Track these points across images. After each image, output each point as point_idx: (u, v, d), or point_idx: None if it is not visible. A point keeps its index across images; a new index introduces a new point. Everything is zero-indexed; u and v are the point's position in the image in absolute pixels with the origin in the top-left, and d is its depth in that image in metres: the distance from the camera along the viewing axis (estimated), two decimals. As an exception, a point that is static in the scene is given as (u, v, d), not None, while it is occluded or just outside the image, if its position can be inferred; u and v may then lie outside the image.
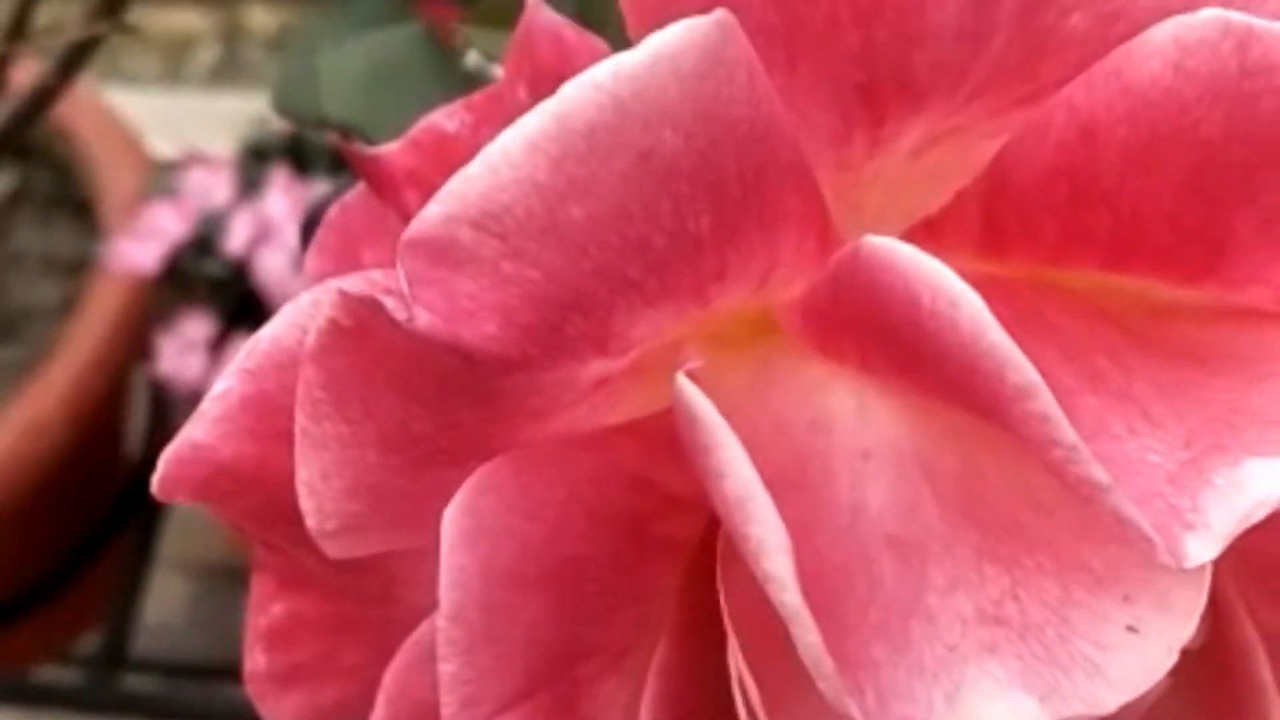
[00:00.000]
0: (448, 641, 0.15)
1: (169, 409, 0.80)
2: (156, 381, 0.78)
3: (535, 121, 0.15)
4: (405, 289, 0.14)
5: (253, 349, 0.18)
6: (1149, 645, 0.15)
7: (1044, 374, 0.16)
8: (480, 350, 0.14)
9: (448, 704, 0.15)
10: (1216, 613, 0.17)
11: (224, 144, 0.77)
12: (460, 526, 0.15)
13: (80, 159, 0.80)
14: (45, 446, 0.73)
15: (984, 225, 0.17)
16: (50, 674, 0.83)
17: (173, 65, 1.31)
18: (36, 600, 0.82)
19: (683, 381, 0.15)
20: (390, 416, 0.16)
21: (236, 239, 0.67)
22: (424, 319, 0.14)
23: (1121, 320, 0.17)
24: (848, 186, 0.18)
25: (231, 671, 0.64)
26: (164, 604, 0.97)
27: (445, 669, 0.15)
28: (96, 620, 0.82)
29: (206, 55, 1.30)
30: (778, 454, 0.17)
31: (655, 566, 0.17)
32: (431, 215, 0.14)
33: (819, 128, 0.17)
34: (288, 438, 0.17)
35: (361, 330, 0.15)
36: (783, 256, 0.16)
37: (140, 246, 0.68)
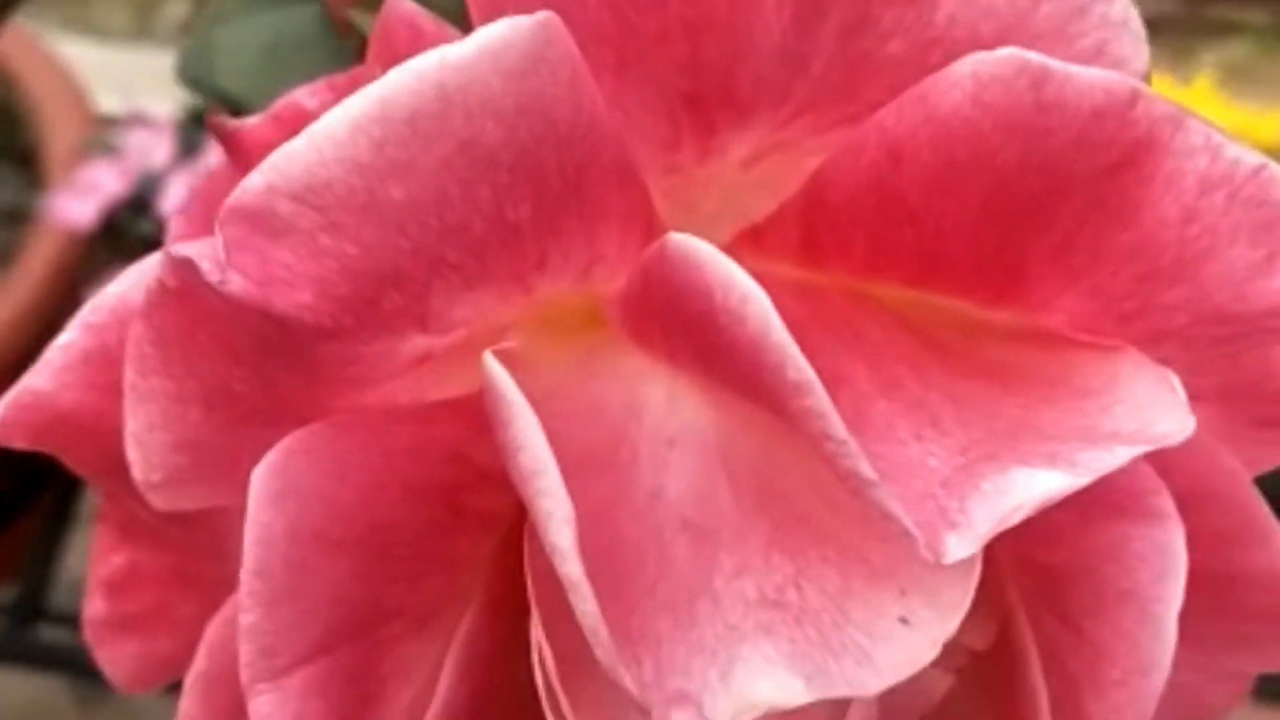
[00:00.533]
0: (249, 594, 0.16)
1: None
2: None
3: (361, 103, 0.15)
4: (221, 254, 0.15)
5: (98, 304, 0.18)
6: (917, 637, 0.16)
7: (841, 378, 0.17)
8: (293, 318, 0.15)
9: (246, 653, 0.16)
10: (1003, 619, 0.18)
11: (180, 104, 0.77)
12: (268, 486, 0.16)
13: (26, 110, 0.80)
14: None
15: (802, 236, 0.18)
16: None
17: (142, 20, 1.30)
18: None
19: (489, 360, 0.16)
20: (213, 375, 0.17)
21: (171, 200, 0.67)
22: (237, 283, 0.15)
23: (932, 335, 0.18)
24: (680, 189, 0.18)
25: None
26: (84, 560, 0.97)
27: (245, 620, 0.16)
28: (15, 574, 0.82)
29: (176, 11, 1.30)
30: (590, 436, 0.17)
31: (467, 537, 0.18)
32: (253, 185, 0.15)
33: (648, 132, 0.17)
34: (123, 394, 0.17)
35: (185, 291, 0.16)
36: (605, 250, 0.17)
37: (78, 201, 0.68)
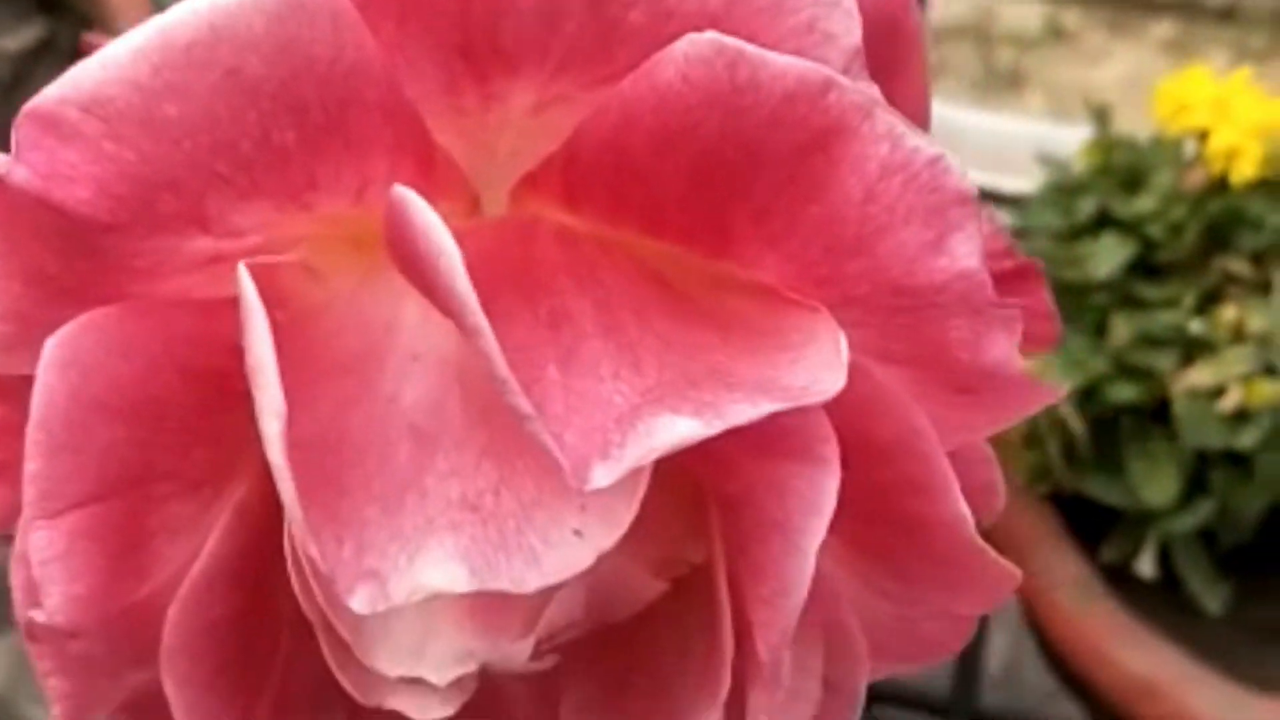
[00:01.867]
0: (33, 444, 0.19)
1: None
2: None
3: (145, 33, 0.18)
4: (16, 149, 0.18)
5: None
6: (584, 548, 0.18)
7: (566, 316, 0.19)
8: (71, 209, 0.18)
9: (28, 495, 0.19)
10: (709, 539, 0.21)
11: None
12: (56, 354, 0.19)
13: (107, 15, 0.84)
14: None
15: (563, 184, 0.20)
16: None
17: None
18: None
19: (241, 268, 0.19)
20: (29, 256, 0.20)
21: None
22: (21, 175, 0.18)
23: (678, 285, 0.21)
24: (474, 130, 0.21)
25: None
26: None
27: (29, 467, 0.19)
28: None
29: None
30: (349, 344, 0.20)
31: (238, 417, 0.20)
32: (49, 94, 0.18)
33: (430, 77, 0.20)
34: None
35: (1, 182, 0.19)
36: (375, 175, 0.20)
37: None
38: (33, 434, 0.19)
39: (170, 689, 0.20)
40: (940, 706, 0.77)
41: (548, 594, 0.19)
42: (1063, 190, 0.67)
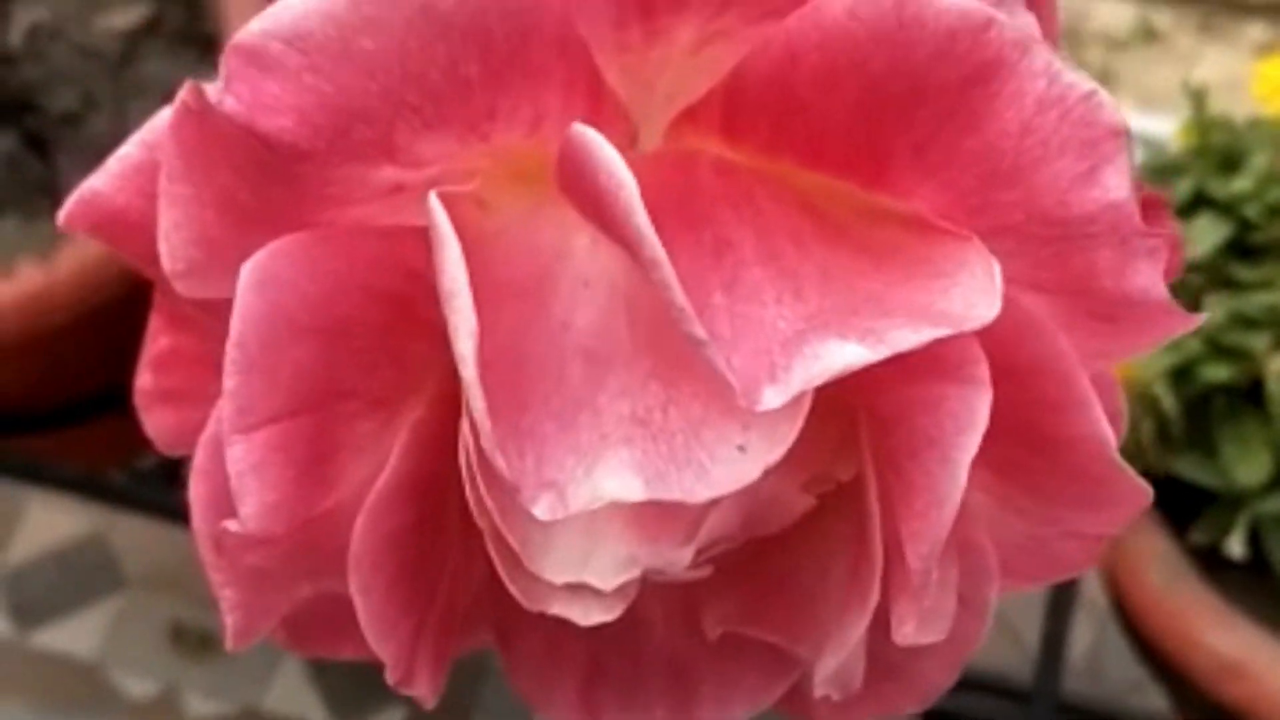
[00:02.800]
0: (231, 362, 0.21)
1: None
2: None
3: (343, -30, 0.20)
4: (223, 81, 0.19)
5: (153, 125, 0.23)
6: (749, 463, 0.20)
7: (729, 244, 0.20)
8: (274, 138, 0.20)
9: (227, 410, 0.21)
10: (859, 457, 0.22)
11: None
12: (253, 276, 0.21)
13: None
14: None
15: (723, 117, 0.21)
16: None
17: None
18: (108, 407, 0.89)
19: (432, 196, 0.20)
20: (223, 185, 0.21)
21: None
22: (230, 104, 0.19)
23: (832, 215, 0.22)
24: (636, 67, 0.22)
25: None
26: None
27: (227, 384, 0.21)
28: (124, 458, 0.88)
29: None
30: (524, 270, 0.21)
31: (419, 342, 0.22)
32: (253, 28, 0.20)
33: (599, 13, 0.21)
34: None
35: (202, 112, 0.20)
36: (549, 108, 0.21)
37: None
38: (230, 352, 0.21)
39: (356, 593, 0.22)
40: (1023, 694, 0.78)
41: (710, 505, 0.21)
42: (1159, 171, 0.68)
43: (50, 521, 1.14)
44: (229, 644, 0.24)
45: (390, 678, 0.23)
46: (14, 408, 0.84)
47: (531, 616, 0.24)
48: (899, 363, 0.20)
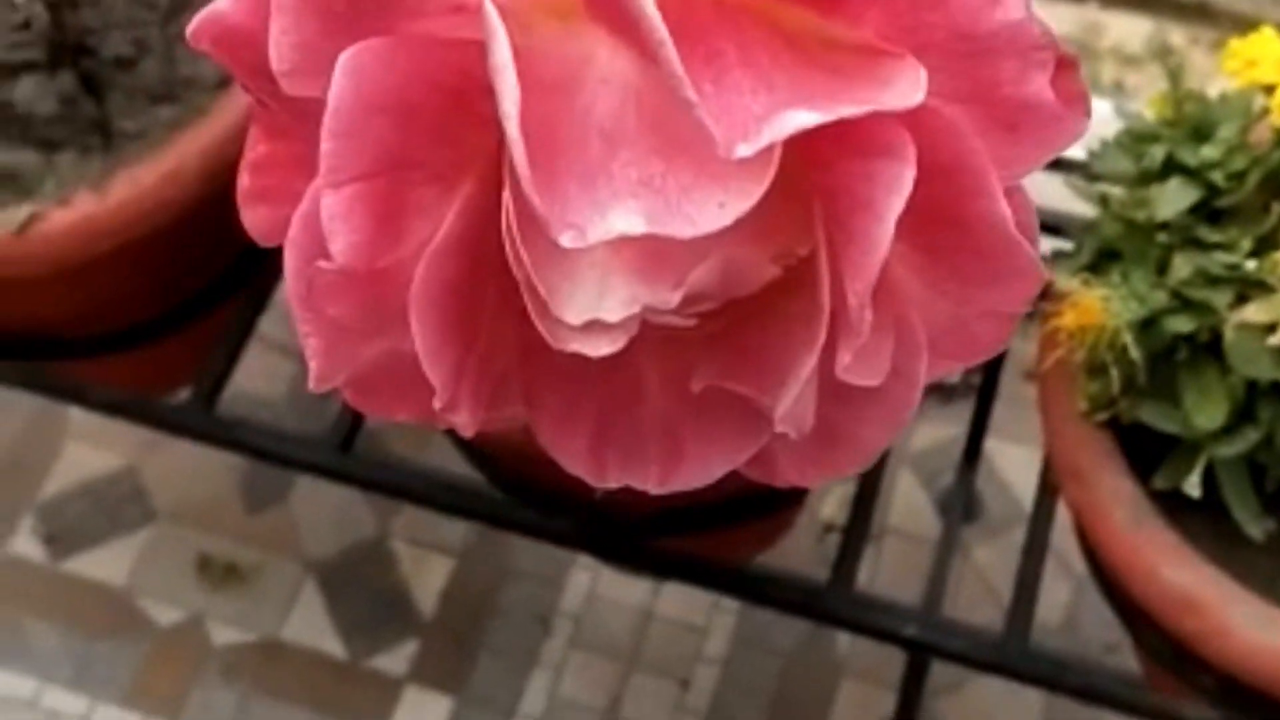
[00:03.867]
0: (327, 130, 0.27)
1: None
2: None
3: None
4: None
5: (265, -39, 0.30)
6: (726, 213, 0.26)
7: (716, 52, 0.27)
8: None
9: (322, 169, 0.27)
10: (814, 234, 0.28)
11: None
12: (346, 65, 0.27)
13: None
14: (180, 194, 0.87)
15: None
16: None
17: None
18: (146, 336, 0.96)
19: (487, 3, 0.26)
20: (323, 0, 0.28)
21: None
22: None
23: (800, 41, 0.28)
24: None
25: (307, 439, 0.76)
26: (256, 377, 1.11)
27: (325, 146, 0.27)
28: (192, 378, 0.94)
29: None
30: (556, 71, 0.28)
31: (471, 128, 0.28)
32: None
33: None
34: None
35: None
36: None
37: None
38: (327, 123, 0.27)
39: (415, 326, 0.28)
40: (991, 640, 0.83)
41: (698, 257, 0.27)
42: (1135, 137, 0.74)
43: (84, 456, 1.21)
44: (311, 384, 0.30)
45: (437, 402, 0.29)
46: (60, 332, 0.90)
47: (553, 383, 0.31)
48: (843, 142, 0.26)
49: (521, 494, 0.88)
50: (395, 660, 1.17)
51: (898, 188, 0.26)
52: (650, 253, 0.27)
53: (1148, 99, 0.75)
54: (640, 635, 1.17)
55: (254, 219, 0.32)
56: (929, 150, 0.27)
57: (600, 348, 0.28)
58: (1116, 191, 0.75)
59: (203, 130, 0.88)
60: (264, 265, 0.96)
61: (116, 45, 0.90)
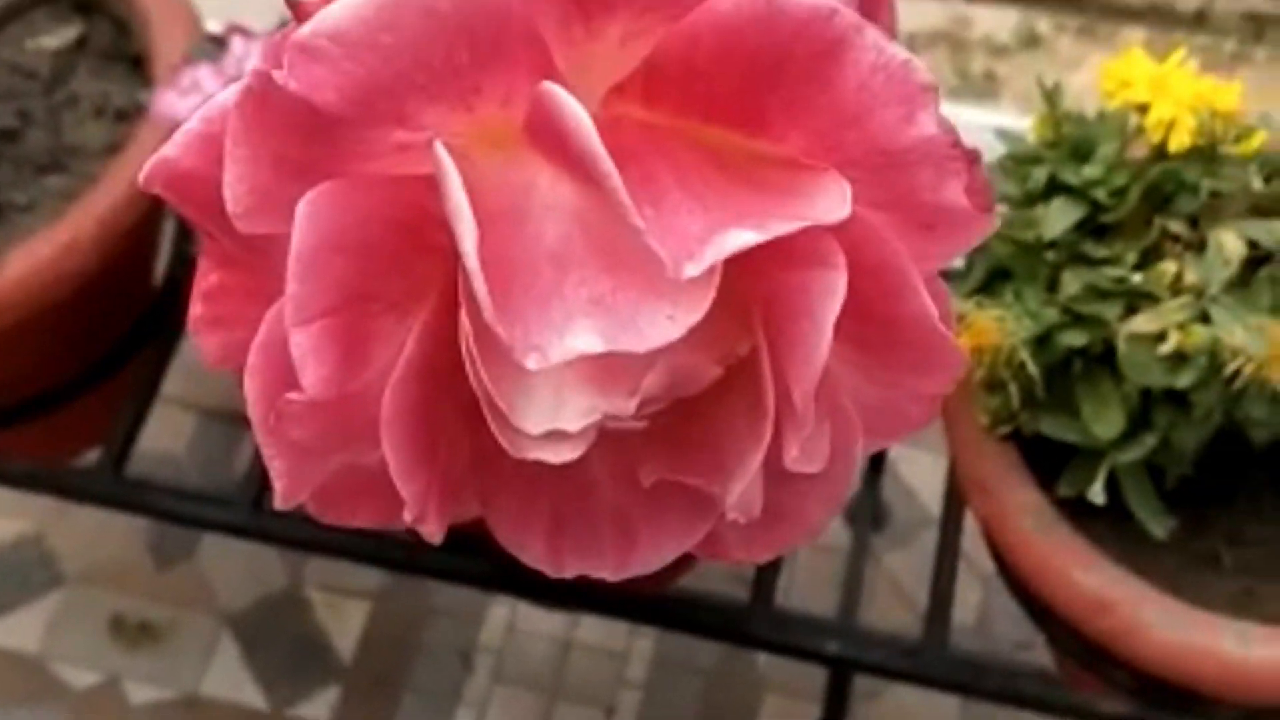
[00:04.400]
0: (292, 274, 0.29)
1: (192, 252, 0.94)
2: (182, 230, 0.93)
3: (371, -15, 0.28)
4: (286, 68, 0.28)
5: (210, 106, 0.31)
6: (675, 326, 0.28)
7: (652, 176, 0.29)
8: (322, 109, 0.28)
9: (288, 310, 0.29)
10: (754, 335, 0.31)
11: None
12: (307, 209, 0.29)
13: (138, 18, 0.94)
14: (79, 264, 0.87)
15: (644, 88, 0.30)
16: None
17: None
18: (51, 404, 0.96)
19: (437, 145, 0.28)
20: (276, 146, 0.29)
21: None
22: (293, 85, 0.28)
23: (728, 160, 0.31)
24: (578, 56, 0.31)
25: (219, 499, 0.77)
26: (160, 434, 1.12)
27: (291, 289, 0.29)
28: (99, 440, 0.95)
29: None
30: (503, 202, 0.30)
31: (425, 258, 0.30)
32: (306, 29, 0.28)
33: (551, 16, 0.30)
34: (223, 160, 0.30)
35: (263, 91, 0.29)
36: (518, 88, 0.30)
37: (181, 99, 0.82)
38: (292, 267, 0.29)
39: (387, 448, 0.30)
40: (911, 649, 0.87)
41: (648, 365, 0.29)
42: (1018, 161, 0.77)
43: (-11, 527, 1.20)
44: (277, 503, 0.32)
45: (408, 515, 0.31)
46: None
47: (509, 485, 0.33)
48: (778, 255, 0.28)
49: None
50: (317, 707, 1.18)
51: (832, 295, 0.28)
52: (603, 366, 0.29)
53: (1018, 99, 0.78)
54: (562, 665, 1.19)
55: (209, 345, 0.34)
56: (856, 255, 0.29)
57: (561, 454, 0.30)
58: (1003, 211, 0.78)
59: (96, 198, 0.89)
60: (165, 324, 0.97)
61: (1, 117, 0.91)
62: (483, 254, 0.28)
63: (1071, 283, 0.77)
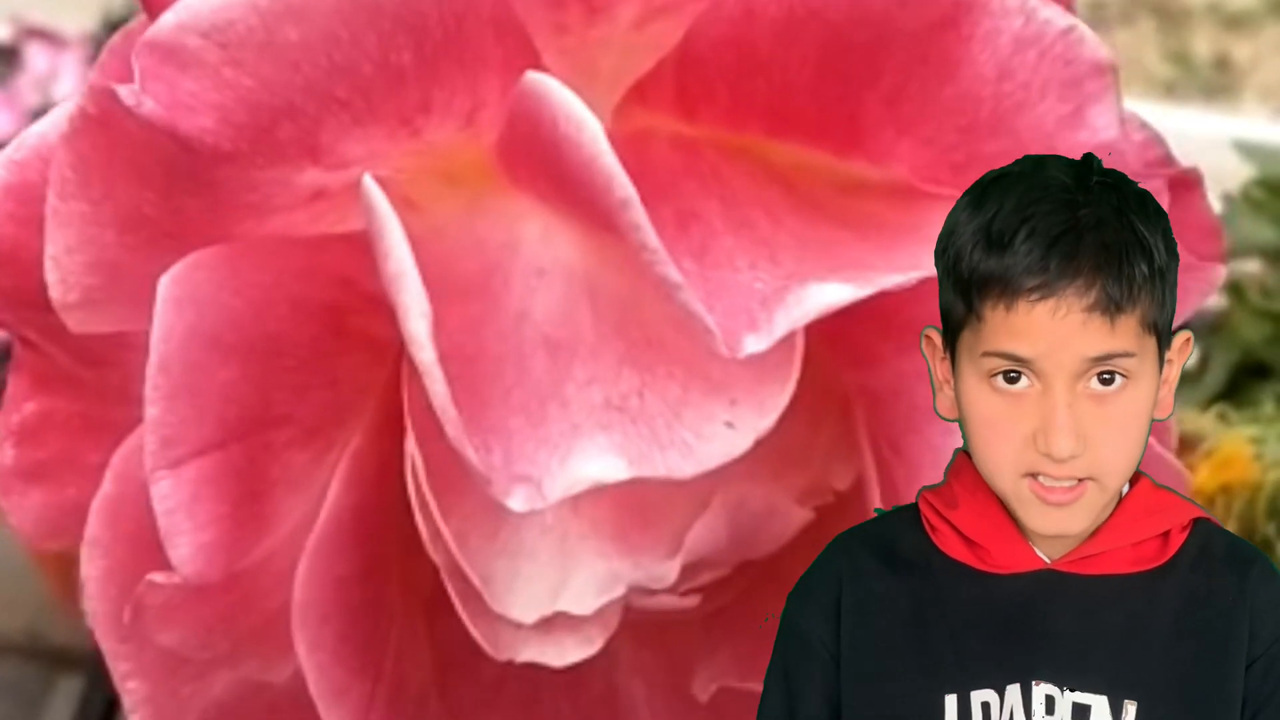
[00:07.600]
0: (153, 389, 0.26)
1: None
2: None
3: (263, -45, 0.25)
4: (136, 82, 0.24)
5: (21, 143, 0.28)
6: (739, 436, 0.25)
7: (694, 215, 0.27)
8: (195, 139, 0.25)
9: (150, 443, 0.26)
10: (858, 457, 0.27)
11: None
12: (171, 292, 0.26)
13: None
14: None
15: (676, 88, 0.28)
16: None
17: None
18: None
19: (366, 179, 0.25)
20: (126, 199, 0.26)
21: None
22: (148, 106, 0.25)
23: (807, 191, 0.29)
24: (576, 50, 0.29)
25: None
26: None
27: (150, 413, 0.26)
28: None
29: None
30: (471, 266, 0.28)
31: (353, 358, 0.27)
32: (166, 22, 0.25)
33: (537, -9, 0.27)
34: (43, 223, 0.27)
35: (104, 118, 0.26)
36: (487, 97, 0.27)
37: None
38: (153, 378, 0.26)
39: (303, 651, 0.28)
40: None
41: (697, 503, 0.26)
42: (1273, 189, 0.67)
43: None
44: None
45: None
46: None
47: (489, 702, 0.29)
48: (888, 331, 0.25)
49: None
50: None
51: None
52: (629, 506, 0.27)
53: None
54: None
55: (23, 510, 0.30)
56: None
57: (567, 654, 0.27)
58: (1253, 270, 0.69)
59: None
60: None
61: None
62: (441, 342, 0.26)
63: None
